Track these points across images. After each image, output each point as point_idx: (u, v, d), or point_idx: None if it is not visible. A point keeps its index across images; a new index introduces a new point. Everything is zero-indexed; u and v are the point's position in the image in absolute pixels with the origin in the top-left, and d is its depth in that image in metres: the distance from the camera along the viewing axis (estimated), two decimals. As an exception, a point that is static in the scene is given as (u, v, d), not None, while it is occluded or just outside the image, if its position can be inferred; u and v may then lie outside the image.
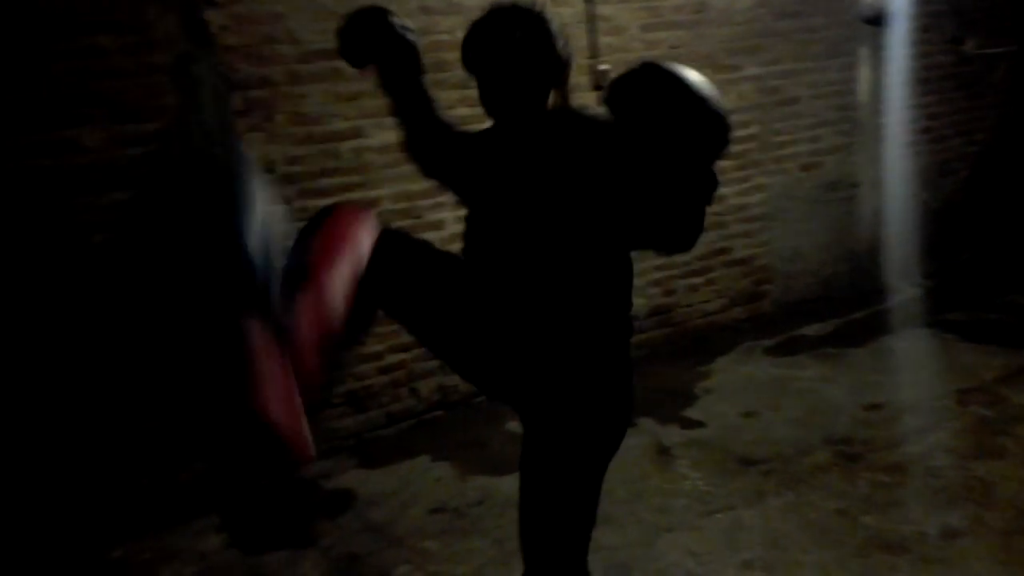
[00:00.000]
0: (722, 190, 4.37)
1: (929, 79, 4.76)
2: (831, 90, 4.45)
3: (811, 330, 4.26)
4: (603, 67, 3.75)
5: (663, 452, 3.14)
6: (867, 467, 2.89)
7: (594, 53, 3.74)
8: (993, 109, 5.04)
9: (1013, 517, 2.54)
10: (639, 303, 4.04)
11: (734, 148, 4.18)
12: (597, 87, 3.77)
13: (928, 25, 4.69)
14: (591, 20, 3.72)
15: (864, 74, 4.55)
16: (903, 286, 4.71)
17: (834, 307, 4.49)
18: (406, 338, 2.95)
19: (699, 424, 3.34)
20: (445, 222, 3.44)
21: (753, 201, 4.28)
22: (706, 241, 4.15)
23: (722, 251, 4.23)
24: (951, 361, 3.73)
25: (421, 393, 3.54)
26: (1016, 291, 4.51)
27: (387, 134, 3.14)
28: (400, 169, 3.14)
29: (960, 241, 5.03)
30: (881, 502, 2.68)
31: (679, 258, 4.10)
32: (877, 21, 4.49)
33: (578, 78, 3.73)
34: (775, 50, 4.22)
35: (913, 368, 3.72)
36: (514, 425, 3.22)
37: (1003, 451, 2.93)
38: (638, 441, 3.24)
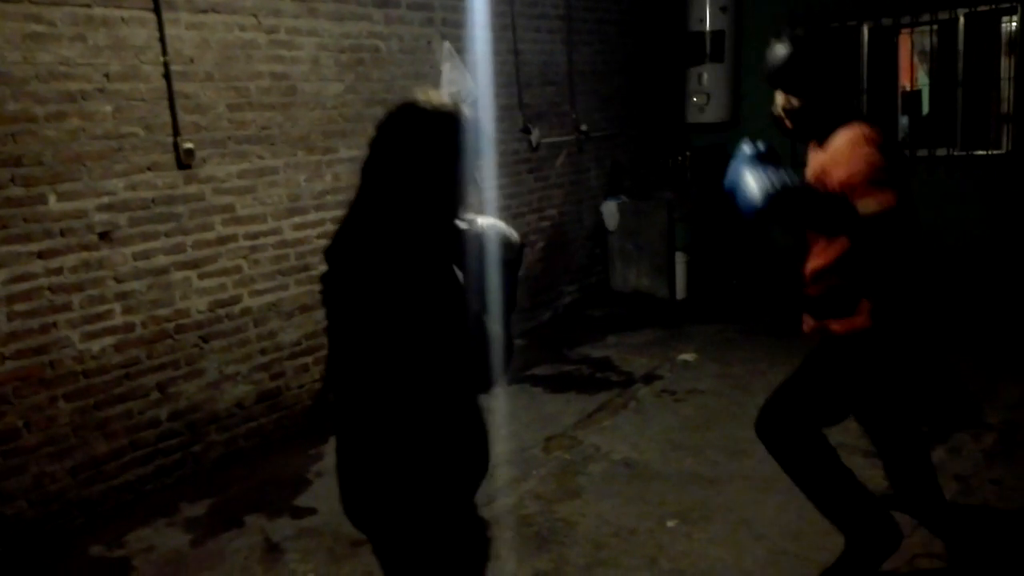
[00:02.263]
0: (326, 268, 4.40)
1: (506, 163, 5.38)
2: (421, 171, 4.77)
3: (420, 398, 4.44)
4: (188, 146, 3.58)
5: (272, 549, 2.98)
6: (469, 527, 3.04)
7: (177, 131, 3.56)
8: (558, 189, 5.86)
9: (591, 551, 2.86)
10: (247, 390, 3.86)
11: (336, 227, 4.29)
12: (182, 165, 3.59)
13: (502, 116, 5.32)
14: (172, 97, 3.54)
15: (450, 157, 4.98)
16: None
17: (440, 373, 4.75)
18: None
19: (311, 512, 3.24)
20: None
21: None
22: (314, 319, 4.13)
23: (329, 329, 4.24)
24: (538, 412, 4.15)
25: None
26: (588, 343, 5.22)
27: None
28: None
29: (541, 303, 5.71)
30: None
31: (285, 338, 4.01)
32: (457, 110, 4.97)
33: (161, 156, 3.52)
34: (368, 134, 4.39)
35: (507, 422, 4.06)
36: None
37: (581, 490, 3.32)
38: (246, 542, 3.04)
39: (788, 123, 2.36)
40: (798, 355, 2.54)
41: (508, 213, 5.41)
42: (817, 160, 2.33)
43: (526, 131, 5.52)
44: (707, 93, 6.36)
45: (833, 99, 2.29)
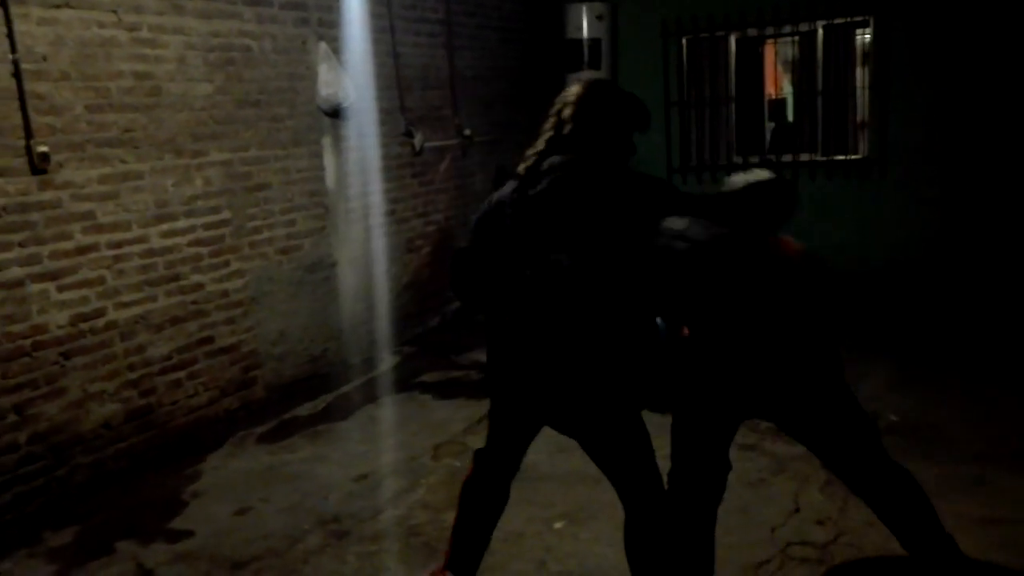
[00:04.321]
0: (199, 278, 4.17)
1: (389, 167, 5.30)
2: (301, 176, 4.64)
3: (303, 410, 4.32)
4: (42, 149, 3.33)
5: (144, 576, 2.81)
6: (356, 540, 2.97)
7: (30, 134, 3.31)
8: (443, 194, 5.83)
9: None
10: (115, 408, 3.63)
11: (208, 234, 4.09)
12: (36, 171, 3.34)
13: (383, 119, 5.24)
14: (23, 98, 3.29)
15: (330, 161, 4.86)
16: (384, 355, 5.10)
17: (325, 384, 4.63)
18: None
19: (187, 534, 3.07)
20: None
21: (233, 287, 4.20)
22: (186, 331, 3.94)
23: (204, 341, 4.05)
24: (427, 419, 4.11)
25: None
26: (477, 348, 5.21)
27: None
28: None
29: (429, 309, 5.66)
30: (369, 572, 2.77)
31: (155, 352, 3.80)
32: (336, 113, 4.85)
33: (12, 161, 3.26)
34: (241, 137, 4.26)
35: (395, 431, 4.00)
36: None
37: (470, 496, 3.29)
38: (117, 570, 2.86)
39: None
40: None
41: (393, 217, 5.34)
42: None
43: (408, 135, 5.47)
44: (587, 99, 6.48)
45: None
